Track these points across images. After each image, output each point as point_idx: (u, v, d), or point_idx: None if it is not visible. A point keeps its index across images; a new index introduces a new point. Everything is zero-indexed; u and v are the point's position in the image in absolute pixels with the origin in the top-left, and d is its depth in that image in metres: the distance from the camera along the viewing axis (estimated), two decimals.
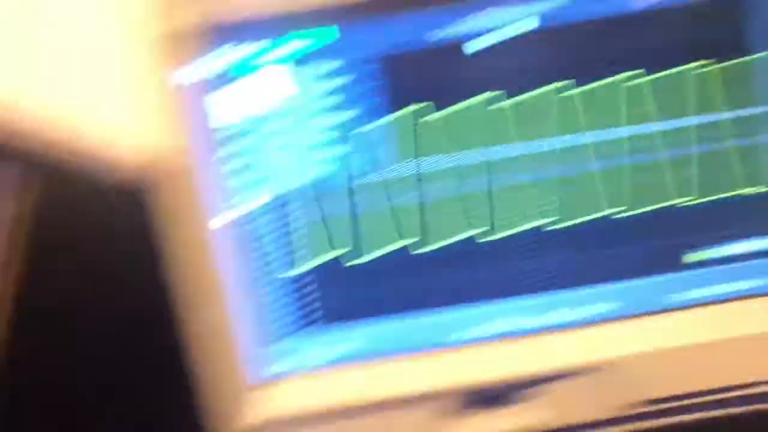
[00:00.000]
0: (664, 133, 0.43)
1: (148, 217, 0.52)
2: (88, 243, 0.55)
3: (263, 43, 0.43)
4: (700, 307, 0.45)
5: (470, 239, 0.44)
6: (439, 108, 0.43)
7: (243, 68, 0.43)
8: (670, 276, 0.45)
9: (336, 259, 0.45)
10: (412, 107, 0.43)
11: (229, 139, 0.43)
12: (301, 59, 0.43)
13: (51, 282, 0.56)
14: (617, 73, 0.43)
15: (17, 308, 0.55)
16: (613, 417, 0.44)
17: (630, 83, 0.43)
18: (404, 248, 0.44)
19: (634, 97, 0.43)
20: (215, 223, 0.43)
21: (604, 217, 0.43)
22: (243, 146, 0.43)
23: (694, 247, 0.45)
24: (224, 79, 0.43)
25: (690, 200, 0.44)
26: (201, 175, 0.43)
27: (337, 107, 0.43)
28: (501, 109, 0.43)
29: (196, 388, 0.44)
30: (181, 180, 0.42)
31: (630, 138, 0.43)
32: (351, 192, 0.44)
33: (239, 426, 0.43)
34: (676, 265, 0.45)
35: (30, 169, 0.54)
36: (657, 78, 0.43)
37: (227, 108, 0.44)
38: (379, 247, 0.44)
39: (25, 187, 0.54)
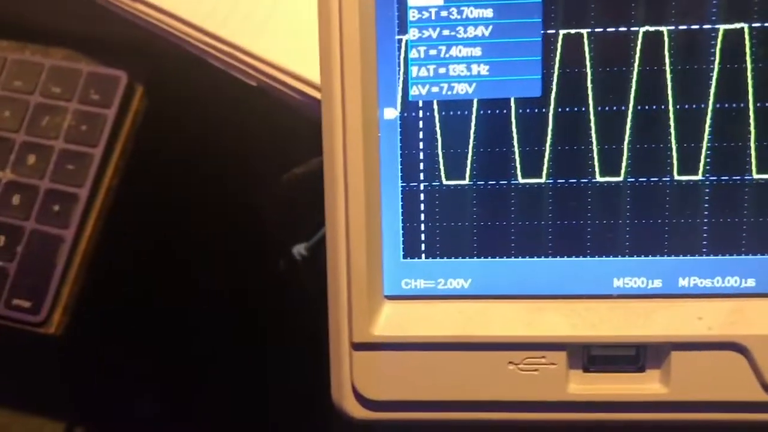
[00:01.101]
0: None
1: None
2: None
3: None
4: None
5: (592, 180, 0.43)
6: None
7: None
8: None
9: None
10: None
11: (423, 21, 0.43)
12: None
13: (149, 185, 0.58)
14: None
15: (115, 204, 0.57)
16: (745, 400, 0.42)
17: None
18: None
19: None
20: (386, 113, 0.43)
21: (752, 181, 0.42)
22: (437, 32, 0.43)
23: None
24: None
25: None
26: (383, 56, 0.43)
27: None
28: None
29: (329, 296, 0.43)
30: (363, 55, 0.42)
31: None
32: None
33: (369, 336, 0.42)
34: None
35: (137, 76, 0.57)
36: None
37: None
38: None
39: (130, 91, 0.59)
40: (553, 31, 0.42)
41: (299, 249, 0.61)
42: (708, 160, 0.42)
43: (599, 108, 0.42)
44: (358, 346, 0.43)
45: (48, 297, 0.58)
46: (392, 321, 0.43)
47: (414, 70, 0.43)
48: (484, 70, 0.42)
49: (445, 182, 0.43)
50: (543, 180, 0.43)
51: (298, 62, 0.54)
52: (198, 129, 0.62)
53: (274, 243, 0.62)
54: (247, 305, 0.64)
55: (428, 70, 0.43)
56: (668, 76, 0.42)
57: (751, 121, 0.42)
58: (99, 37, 0.61)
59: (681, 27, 0.41)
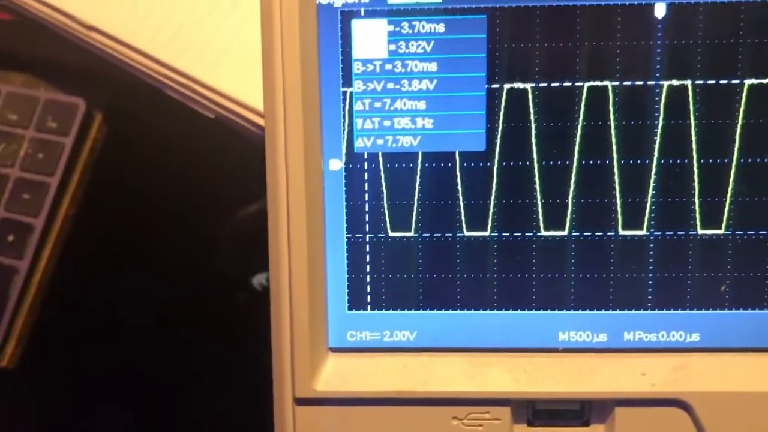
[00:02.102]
0: None
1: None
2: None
3: None
4: None
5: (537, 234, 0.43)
6: None
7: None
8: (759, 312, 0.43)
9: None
10: None
11: (368, 74, 0.43)
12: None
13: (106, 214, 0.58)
14: None
15: (71, 234, 0.57)
16: None
17: None
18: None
19: None
20: (331, 164, 0.43)
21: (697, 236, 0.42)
22: (381, 85, 0.43)
23: None
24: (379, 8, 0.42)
25: None
26: (327, 108, 0.43)
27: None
28: None
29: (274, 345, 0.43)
30: (306, 109, 0.42)
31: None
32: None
33: (312, 392, 0.42)
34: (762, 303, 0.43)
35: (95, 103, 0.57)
36: None
37: (374, 40, 0.43)
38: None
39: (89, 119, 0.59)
40: (497, 86, 0.42)
41: (260, 279, 0.61)
42: (653, 215, 0.42)
43: (544, 162, 0.42)
44: (300, 401, 0.43)
45: (0, 329, 0.57)
46: (336, 375, 0.43)
47: (359, 122, 0.42)
48: (428, 123, 0.42)
49: (390, 234, 0.43)
50: (488, 233, 0.43)
51: (255, 95, 0.53)
52: (157, 157, 0.61)
53: (233, 274, 0.61)
54: (204, 338, 0.63)
55: (373, 122, 0.42)
56: (613, 131, 0.42)
57: (695, 177, 0.41)
58: (58, 63, 0.60)
59: (625, 83, 0.41)
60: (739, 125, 0.41)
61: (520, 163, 0.42)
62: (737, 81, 0.41)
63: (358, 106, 0.42)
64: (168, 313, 0.62)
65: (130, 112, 0.60)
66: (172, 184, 0.61)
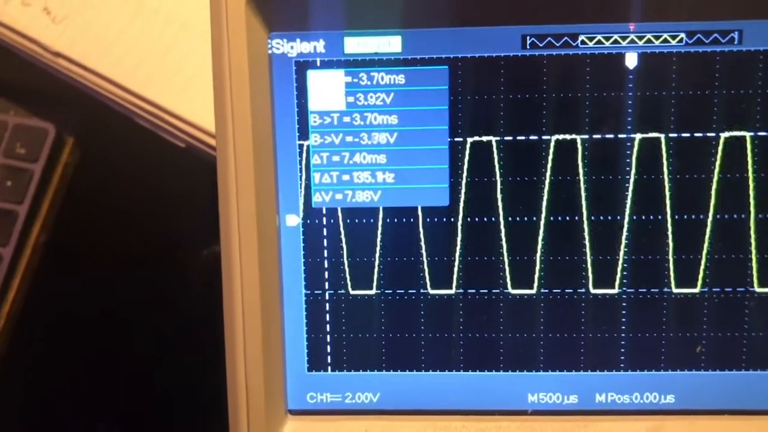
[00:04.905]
0: None
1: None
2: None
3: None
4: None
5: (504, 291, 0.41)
6: None
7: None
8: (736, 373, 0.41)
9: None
10: None
11: (325, 126, 0.41)
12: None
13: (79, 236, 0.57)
14: None
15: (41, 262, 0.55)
16: None
17: None
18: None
19: None
20: (288, 219, 0.41)
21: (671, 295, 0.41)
22: (339, 138, 0.41)
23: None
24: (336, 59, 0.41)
25: None
26: (282, 161, 0.41)
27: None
28: None
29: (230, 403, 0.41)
30: (259, 162, 0.40)
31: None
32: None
33: None
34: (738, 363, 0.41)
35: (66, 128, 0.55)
36: None
37: (331, 91, 0.41)
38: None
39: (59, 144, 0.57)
40: (460, 139, 0.40)
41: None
42: (625, 273, 0.40)
43: (510, 218, 0.40)
44: None
45: None
46: None
47: (316, 177, 0.40)
48: (389, 177, 0.40)
49: (351, 291, 0.41)
50: (453, 291, 0.41)
51: None
52: (129, 183, 0.60)
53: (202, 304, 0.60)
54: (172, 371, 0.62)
55: (331, 176, 0.40)
56: (582, 186, 0.40)
57: (669, 233, 0.40)
58: (27, 87, 0.59)
59: (595, 136, 0.39)
60: (714, 180, 0.39)
61: (485, 219, 0.40)
62: (713, 134, 0.39)
63: (315, 160, 0.40)
64: (136, 340, 0.60)
65: (102, 136, 0.59)
66: (145, 211, 0.59)
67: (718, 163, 0.39)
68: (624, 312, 0.41)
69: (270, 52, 0.40)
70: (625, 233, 0.40)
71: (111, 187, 0.60)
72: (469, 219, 0.40)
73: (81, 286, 0.60)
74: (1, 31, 0.55)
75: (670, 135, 0.39)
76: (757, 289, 0.40)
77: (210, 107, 0.50)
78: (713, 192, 0.39)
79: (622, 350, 0.41)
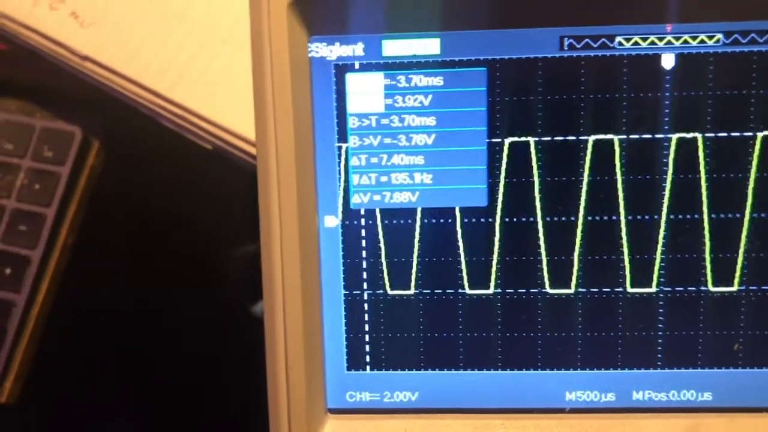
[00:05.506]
0: None
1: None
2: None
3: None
4: None
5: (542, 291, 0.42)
6: None
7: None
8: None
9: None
10: None
11: (364, 128, 0.41)
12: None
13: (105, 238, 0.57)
14: None
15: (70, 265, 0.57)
16: None
17: None
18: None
19: None
20: (327, 221, 0.42)
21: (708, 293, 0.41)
22: (378, 140, 0.41)
23: None
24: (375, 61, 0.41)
25: None
26: (321, 163, 0.42)
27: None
28: None
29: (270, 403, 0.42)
30: (299, 165, 0.40)
31: None
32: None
33: None
34: None
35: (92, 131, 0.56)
36: None
37: (370, 94, 0.41)
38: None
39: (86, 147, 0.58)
40: (498, 140, 0.40)
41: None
42: (662, 272, 0.40)
43: (548, 218, 0.40)
44: None
45: None
46: None
47: (355, 178, 0.41)
48: (427, 178, 0.40)
49: (389, 292, 0.41)
50: (491, 291, 0.41)
51: (251, 126, 0.51)
52: (156, 185, 0.60)
53: (235, 305, 0.60)
54: (208, 372, 0.62)
55: (370, 178, 0.41)
56: (620, 186, 0.40)
57: (706, 232, 0.40)
58: (54, 90, 0.59)
59: (632, 136, 0.39)
60: (751, 179, 0.39)
61: (523, 219, 0.40)
62: (750, 133, 0.39)
63: (354, 162, 0.41)
64: (169, 342, 0.61)
65: (128, 139, 0.59)
66: (172, 213, 0.60)
67: (754, 162, 0.39)
68: (661, 311, 0.41)
69: (310, 55, 0.40)
70: (662, 232, 0.40)
71: (137, 189, 0.60)
72: (507, 219, 0.41)
73: (109, 287, 0.60)
74: (28, 35, 0.55)
75: (707, 135, 0.39)
76: None
77: (236, 109, 0.51)
78: (750, 191, 0.40)
79: (659, 348, 0.41)
